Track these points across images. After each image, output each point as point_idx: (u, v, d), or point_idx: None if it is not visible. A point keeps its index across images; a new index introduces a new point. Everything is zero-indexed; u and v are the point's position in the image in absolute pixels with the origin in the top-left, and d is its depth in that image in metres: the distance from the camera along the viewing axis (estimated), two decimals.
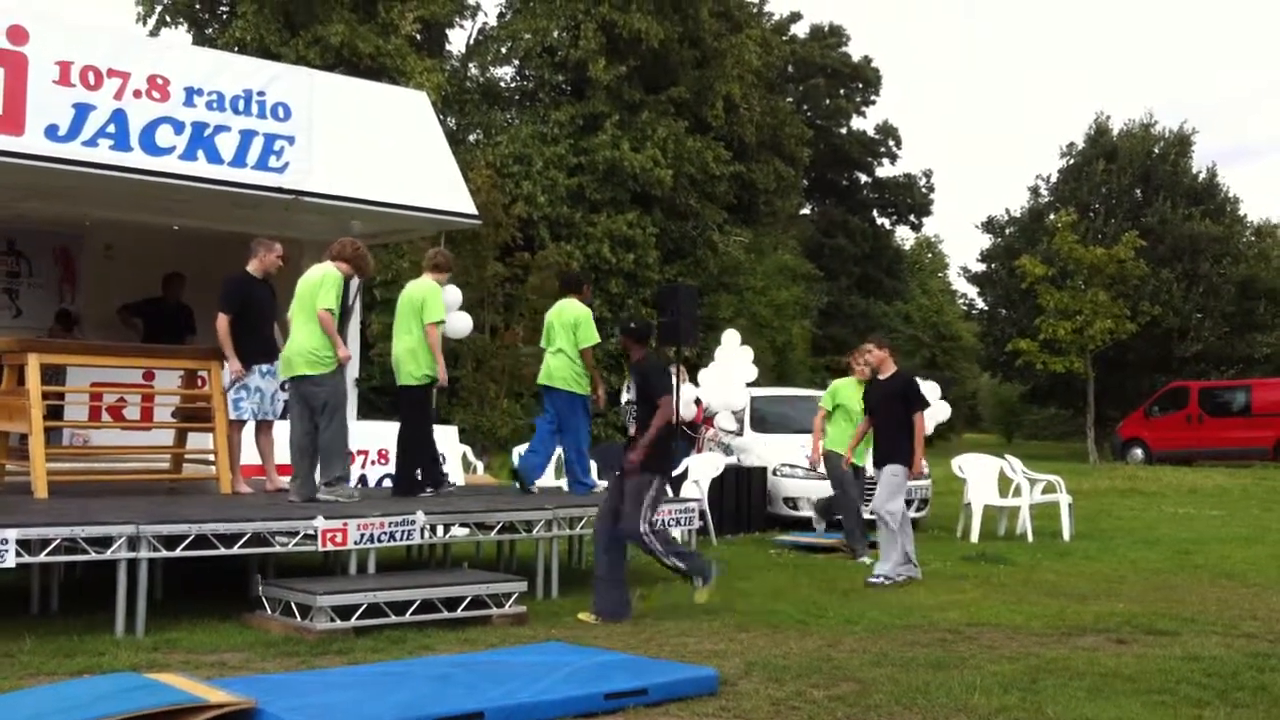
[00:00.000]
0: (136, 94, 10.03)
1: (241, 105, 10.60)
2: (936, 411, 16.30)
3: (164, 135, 10.08)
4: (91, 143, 9.71)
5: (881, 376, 10.54)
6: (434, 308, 9.57)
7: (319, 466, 9.00)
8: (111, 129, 9.83)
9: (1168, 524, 15.79)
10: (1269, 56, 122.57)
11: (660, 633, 7.55)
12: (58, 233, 12.41)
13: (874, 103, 52.85)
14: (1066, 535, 13.61)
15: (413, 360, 9.57)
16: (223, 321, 9.21)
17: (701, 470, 13.62)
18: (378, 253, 9.62)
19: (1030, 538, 13.44)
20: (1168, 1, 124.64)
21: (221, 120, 10.44)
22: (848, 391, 12.14)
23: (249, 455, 9.72)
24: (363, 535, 7.81)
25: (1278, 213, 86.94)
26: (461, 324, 13.67)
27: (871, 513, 10.34)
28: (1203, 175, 43.77)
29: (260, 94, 10.72)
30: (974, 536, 13.43)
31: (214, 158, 10.32)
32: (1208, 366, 40.57)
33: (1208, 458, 31.23)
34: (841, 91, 51.30)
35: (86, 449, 10.62)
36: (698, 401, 15.79)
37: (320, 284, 9.02)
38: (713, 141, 35.59)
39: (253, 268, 9.51)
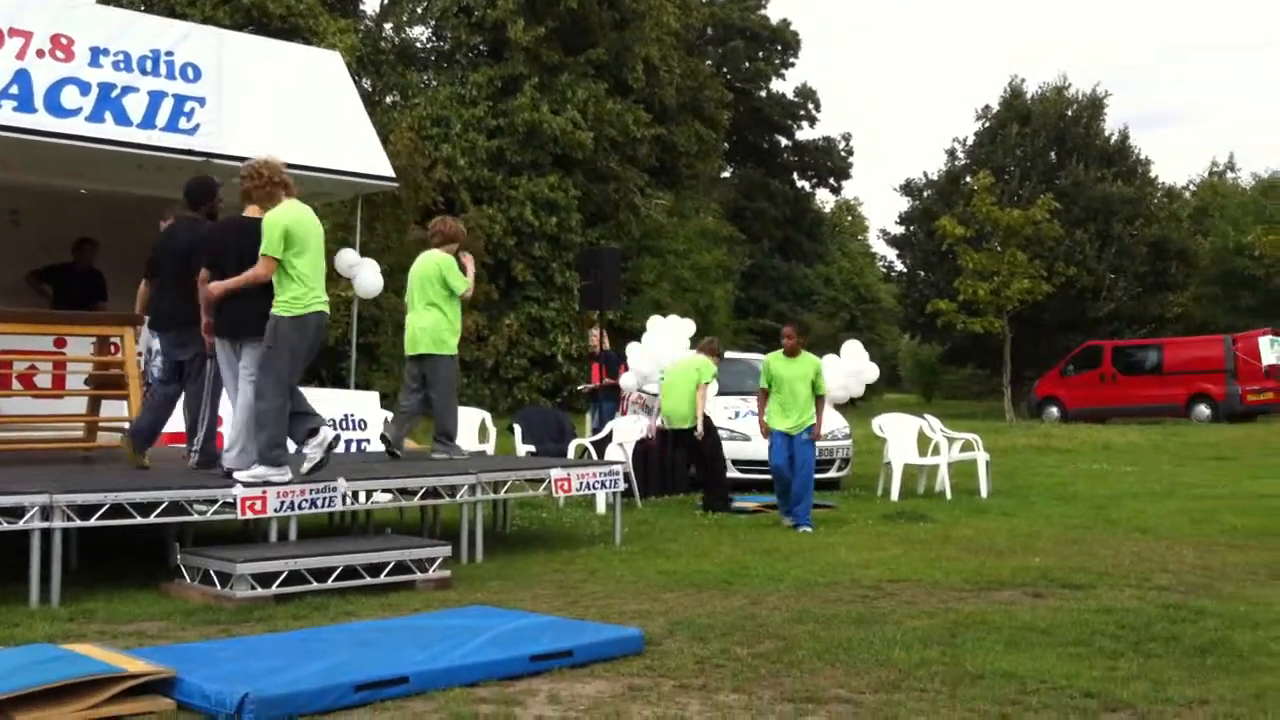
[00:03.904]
0: (40, 54, 9.80)
1: (149, 66, 10.38)
2: (865, 372, 16.41)
3: (69, 96, 9.86)
4: None
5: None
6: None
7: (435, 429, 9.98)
8: (14, 90, 9.59)
9: (1083, 480, 16.08)
10: (1178, 20, 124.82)
11: (585, 595, 7.56)
12: None
13: (793, 65, 53.02)
14: (984, 492, 13.82)
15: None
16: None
17: (626, 432, 13.64)
18: None
19: (949, 495, 13.64)
20: None
21: (129, 81, 10.22)
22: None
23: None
24: (283, 503, 7.71)
25: (1185, 176, 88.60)
26: (373, 282, 13.34)
27: None
28: (1115, 138, 44.53)
29: (169, 54, 10.51)
30: (894, 495, 13.59)
31: (122, 119, 10.11)
32: (1121, 326, 41.38)
33: (1121, 415, 31.92)
34: (760, 54, 51.37)
35: None
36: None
37: (440, 270, 9.76)
38: (633, 104, 35.48)
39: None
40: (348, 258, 13.03)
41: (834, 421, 15.52)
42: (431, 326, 9.85)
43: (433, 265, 9.89)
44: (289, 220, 7.71)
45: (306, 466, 7.94)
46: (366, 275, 13.02)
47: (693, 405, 12.67)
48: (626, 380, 15.25)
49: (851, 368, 16.00)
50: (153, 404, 8.66)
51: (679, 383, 12.99)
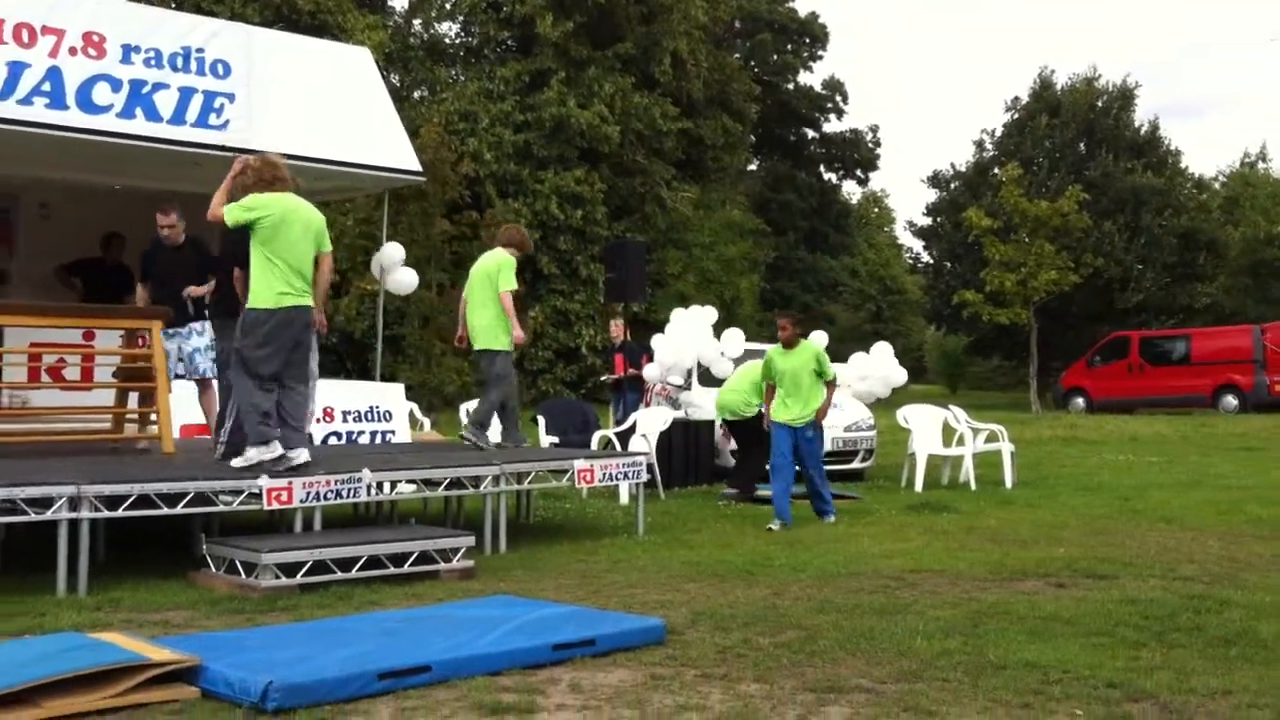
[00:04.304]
0: (72, 51, 9.86)
1: (180, 62, 10.44)
2: (892, 376, 16.40)
3: (101, 93, 9.92)
4: (27, 101, 9.53)
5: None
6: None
7: (471, 416, 10.44)
8: (47, 87, 9.65)
9: (1108, 471, 16.01)
10: (1202, 16, 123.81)
11: (608, 584, 7.59)
12: None
13: (821, 58, 52.87)
14: (1009, 483, 13.77)
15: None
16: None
17: (649, 424, 13.66)
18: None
19: (973, 486, 13.60)
20: None
21: (160, 78, 10.28)
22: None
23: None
24: (308, 493, 7.77)
25: (1214, 167, 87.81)
26: (407, 280, 13.57)
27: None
28: (1145, 129, 44.18)
29: (199, 51, 10.57)
30: (918, 485, 13.57)
31: (153, 115, 10.17)
32: (1149, 317, 41.10)
33: (1148, 406, 31.70)
34: (788, 47, 51.22)
35: (26, 410, 10.48)
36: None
37: (499, 268, 10.02)
38: (660, 98, 35.45)
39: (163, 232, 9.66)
40: (393, 254, 13.23)
41: (858, 412, 15.51)
42: (489, 324, 10.12)
43: (494, 264, 10.17)
44: (267, 205, 7.79)
45: (238, 462, 7.89)
46: (401, 273, 13.29)
47: (745, 405, 13.04)
48: (650, 371, 15.28)
49: (879, 371, 16.01)
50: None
51: (741, 380, 13.41)
